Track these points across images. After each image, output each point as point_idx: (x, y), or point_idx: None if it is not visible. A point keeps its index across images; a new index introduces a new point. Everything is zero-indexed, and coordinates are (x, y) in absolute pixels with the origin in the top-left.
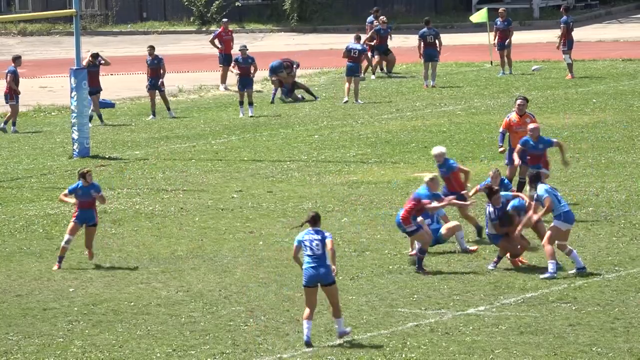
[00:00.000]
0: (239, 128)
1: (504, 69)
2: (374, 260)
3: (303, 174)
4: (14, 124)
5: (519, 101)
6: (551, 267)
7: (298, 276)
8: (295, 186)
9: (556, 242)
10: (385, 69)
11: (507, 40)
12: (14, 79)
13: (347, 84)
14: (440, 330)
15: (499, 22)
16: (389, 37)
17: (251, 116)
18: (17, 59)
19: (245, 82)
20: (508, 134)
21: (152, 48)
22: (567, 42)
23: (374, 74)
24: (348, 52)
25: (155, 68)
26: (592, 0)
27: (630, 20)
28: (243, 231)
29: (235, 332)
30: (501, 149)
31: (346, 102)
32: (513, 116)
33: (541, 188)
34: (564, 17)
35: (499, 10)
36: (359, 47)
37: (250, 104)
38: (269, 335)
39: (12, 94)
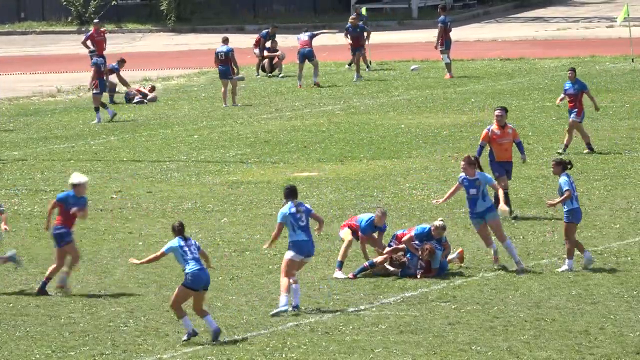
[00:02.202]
0: (118, 128)
1: (358, 73)
2: (254, 260)
3: (182, 174)
4: None
5: (497, 112)
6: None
7: (178, 277)
8: (174, 186)
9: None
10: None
11: (362, 45)
12: None
13: (222, 88)
14: (320, 329)
15: (350, 29)
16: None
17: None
18: None
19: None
20: (490, 146)
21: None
22: (444, 41)
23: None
24: (216, 57)
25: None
26: (470, 0)
27: (508, 20)
28: (122, 232)
29: (115, 333)
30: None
31: (226, 106)
32: (493, 127)
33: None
34: (442, 17)
35: (350, 18)
36: (225, 49)
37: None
38: (149, 335)
39: None
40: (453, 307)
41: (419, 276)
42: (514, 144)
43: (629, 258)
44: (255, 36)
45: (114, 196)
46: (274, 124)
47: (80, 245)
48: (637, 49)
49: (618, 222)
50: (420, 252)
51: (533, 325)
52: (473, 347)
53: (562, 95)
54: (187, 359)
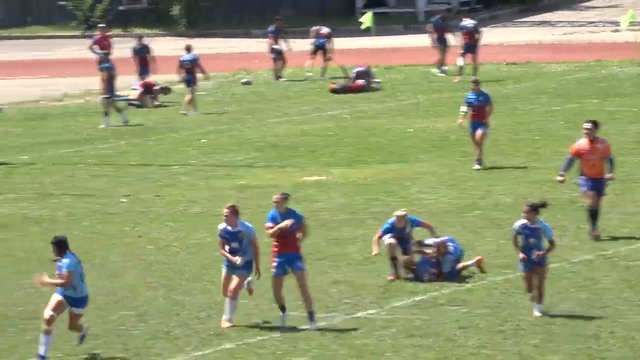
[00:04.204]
0: (127, 133)
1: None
2: (263, 264)
3: (191, 178)
4: None
5: (586, 125)
6: None
7: (187, 280)
8: (183, 190)
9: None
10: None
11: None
12: None
13: (188, 97)
14: (329, 334)
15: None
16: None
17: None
18: None
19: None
20: (578, 162)
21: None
22: (465, 45)
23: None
24: (181, 64)
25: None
26: (476, 4)
27: (514, 25)
28: (132, 236)
29: (126, 337)
30: (560, 178)
31: (187, 113)
32: (582, 142)
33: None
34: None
35: (322, 31)
36: (190, 57)
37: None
38: (159, 339)
39: None
40: (463, 310)
41: (426, 279)
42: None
43: (638, 262)
44: (267, 40)
45: (123, 200)
46: (282, 128)
47: (89, 249)
48: None
49: (627, 226)
50: (434, 250)
51: (543, 329)
52: (483, 351)
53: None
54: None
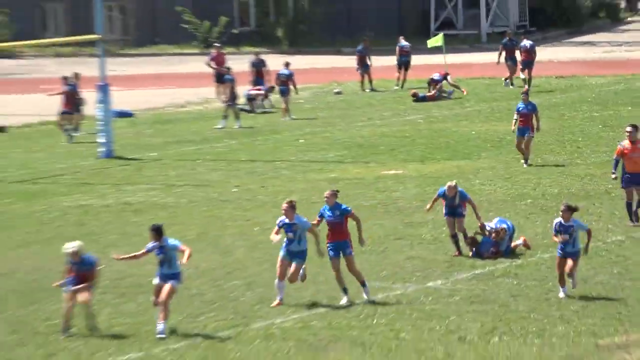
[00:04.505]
0: (238, 134)
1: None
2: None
3: (291, 172)
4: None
5: (628, 128)
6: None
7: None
8: (284, 182)
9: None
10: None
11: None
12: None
13: (284, 105)
14: (405, 300)
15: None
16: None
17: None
18: (76, 75)
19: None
20: (622, 160)
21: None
22: (523, 62)
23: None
24: (279, 78)
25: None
26: (530, 27)
27: (562, 44)
28: (241, 219)
29: (236, 302)
30: (614, 176)
31: (284, 119)
32: (625, 143)
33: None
34: (514, 41)
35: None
36: (287, 72)
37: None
38: (264, 304)
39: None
40: (515, 282)
41: (485, 256)
42: None
43: None
44: (355, 57)
45: (234, 190)
46: (367, 131)
47: (207, 230)
48: None
49: None
50: (494, 234)
51: (581, 298)
52: (532, 315)
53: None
54: (295, 324)
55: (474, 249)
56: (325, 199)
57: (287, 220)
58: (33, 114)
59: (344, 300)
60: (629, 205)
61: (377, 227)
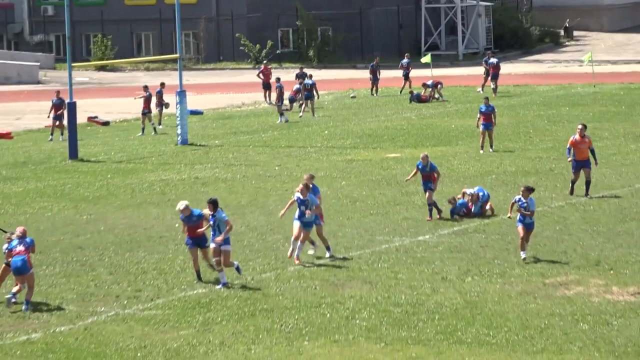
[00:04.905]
0: (278, 127)
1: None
2: (362, 207)
3: (318, 155)
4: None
5: (579, 126)
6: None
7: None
8: (313, 162)
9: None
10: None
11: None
12: (160, 96)
13: (303, 106)
14: (402, 250)
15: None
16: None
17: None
18: (162, 85)
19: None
20: (573, 149)
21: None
22: (492, 74)
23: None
24: (304, 86)
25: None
26: (494, 49)
27: (518, 61)
28: (281, 190)
29: (277, 251)
30: (570, 159)
31: (301, 116)
32: (576, 137)
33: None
34: (488, 58)
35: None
36: (310, 82)
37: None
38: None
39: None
40: (483, 236)
41: (458, 218)
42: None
43: (591, 207)
44: (368, 70)
45: (276, 168)
46: (374, 125)
47: (255, 198)
48: (597, 79)
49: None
50: (469, 197)
51: (531, 247)
52: (495, 261)
53: (478, 115)
54: (320, 267)
55: (453, 208)
56: (305, 181)
57: (301, 197)
58: (129, 112)
59: (311, 252)
60: (573, 182)
61: (381, 196)
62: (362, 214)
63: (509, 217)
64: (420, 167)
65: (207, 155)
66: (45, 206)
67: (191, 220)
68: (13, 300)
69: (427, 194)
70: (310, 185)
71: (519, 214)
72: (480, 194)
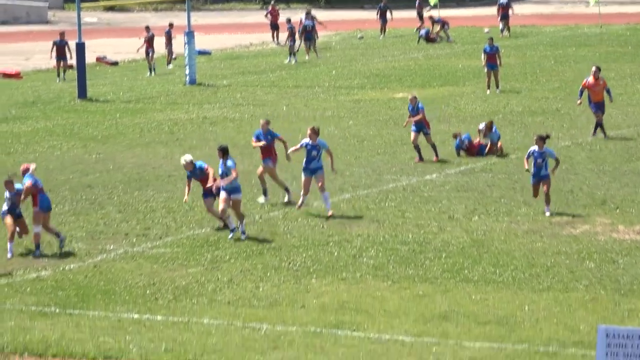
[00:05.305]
0: (286, 67)
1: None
2: (369, 146)
3: (325, 95)
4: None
5: (593, 68)
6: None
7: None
8: (321, 102)
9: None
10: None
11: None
12: (169, 37)
13: (305, 48)
14: (409, 189)
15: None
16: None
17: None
18: (171, 25)
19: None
20: (586, 91)
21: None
22: (501, 14)
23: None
24: (304, 28)
25: None
26: None
27: (526, 2)
28: (290, 130)
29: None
30: (579, 102)
31: (308, 59)
32: (590, 79)
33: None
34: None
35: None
36: (311, 23)
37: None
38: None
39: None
40: (490, 175)
41: (459, 155)
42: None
43: (599, 147)
44: (375, 10)
45: (284, 108)
46: (381, 65)
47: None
48: (604, 20)
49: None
50: (481, 133)
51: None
52: (502, 200)
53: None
54: (324, 206)
55: (458, 143)
56: (261, 126)
57: (311, 142)
58: (137, 53)
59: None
60: (598, 123)
61: (389, 135)
62: (370, 153)
63: (527, 171)
64: (410, 109)
65: (215, 95)
66: (54, 145)
67: (195, 174)
68: (37, 253)
69: (413, 135)
70: (317, 134)
71: (526, 166)
72: (493, 128)
